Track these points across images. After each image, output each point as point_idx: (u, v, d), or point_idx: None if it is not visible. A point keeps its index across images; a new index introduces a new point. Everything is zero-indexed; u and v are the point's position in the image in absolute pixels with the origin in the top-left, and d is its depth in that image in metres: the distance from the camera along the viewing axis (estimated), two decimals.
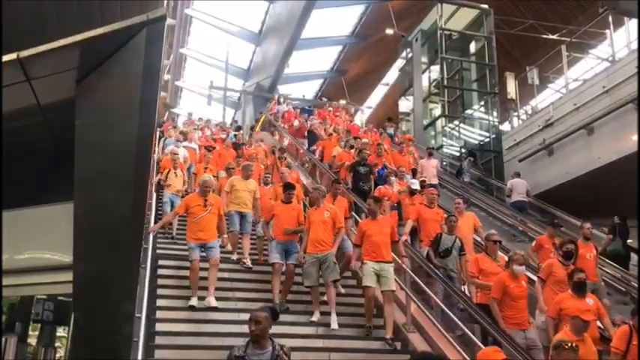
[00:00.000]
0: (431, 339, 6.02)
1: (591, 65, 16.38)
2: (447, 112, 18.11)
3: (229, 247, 7.61)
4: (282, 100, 19.68)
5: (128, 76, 3.24)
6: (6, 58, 3.08)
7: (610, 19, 14.70)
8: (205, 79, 26.00)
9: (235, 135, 15.21)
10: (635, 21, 12.91)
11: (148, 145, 3.79)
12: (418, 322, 6.35)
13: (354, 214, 8.41)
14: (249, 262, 7.56)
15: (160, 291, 6.66)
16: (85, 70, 3.30)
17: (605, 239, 9.74)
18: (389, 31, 21.83)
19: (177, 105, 29.73)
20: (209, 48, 26.26)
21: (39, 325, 5.62)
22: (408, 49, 21.08)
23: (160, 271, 7.04)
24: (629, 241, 10.37)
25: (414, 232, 7.92)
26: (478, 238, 7.91)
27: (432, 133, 18.91)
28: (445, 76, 18.24)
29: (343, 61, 26.66)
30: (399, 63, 22.57)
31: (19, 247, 4.83)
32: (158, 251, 7.49)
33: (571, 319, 4.98)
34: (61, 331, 5.61)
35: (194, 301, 6.29)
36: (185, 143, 12.03)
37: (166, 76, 25.35)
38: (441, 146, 17.39)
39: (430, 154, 12.58)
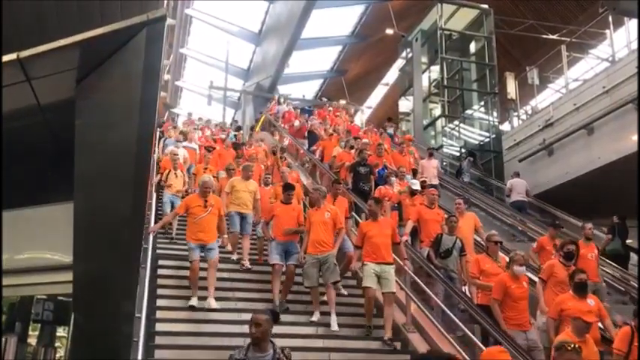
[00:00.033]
0: (431, 339, 6.02)
1: (591, 65, 16.38)
2: (447, 112, 18.10)
3: (229, 248, 7.61)
4: (282, 100, 19.68)
5: (128, 76, 3.24)
6: (6, 58, 3.08)
7: (610, 19, 14.69)
8: (205, 79, 26.01)
9: (235, 135, 15.20)
10: (635, 21, 12.91)
11: (148, 145, 3.79)
12: (418, 322, 6.35)
13: (354, 214, 8.41)
14: (247, 264, 7.56)
15: (159, 291, 6.66)
16: (85, 70, 3.30)
17: (604, 239, 9.74)
18: (389, 31, 21.83)
19: (177, 105, 29.73)
20: (209, 48, 26.28)
21: (39, 325, 5.62)
22: (408, 49, 21.08)
23: (160, 271, 7.04)
24: (628, 241, 10.38)
25: (415, 233, 7.90)
26: (479, 239, 7.91)
27: (432, 133, 18.91)
28: (445, 76, 18.23)
29: (343, 61, 26.66)
30: (399, 63, 22.56)
31: (19, 247, 4.83)
32: (158, 251, 7.48)
33: (573, 320, 4.96)
34: (61, 331, 5.61)
35: (194, 301, 6.29)
36: (185, 143, 12.02)
37: (166, 76, 25.35)
38: (441, 146, 17.39)
39: (431, 155, 12.57)
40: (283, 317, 6.18)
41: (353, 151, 10.90)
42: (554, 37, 18.88)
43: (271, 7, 23.03)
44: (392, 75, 26.51)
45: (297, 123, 15.34)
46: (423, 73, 19.98)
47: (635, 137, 11.04)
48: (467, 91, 18.87)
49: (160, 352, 5.28)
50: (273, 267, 6.74)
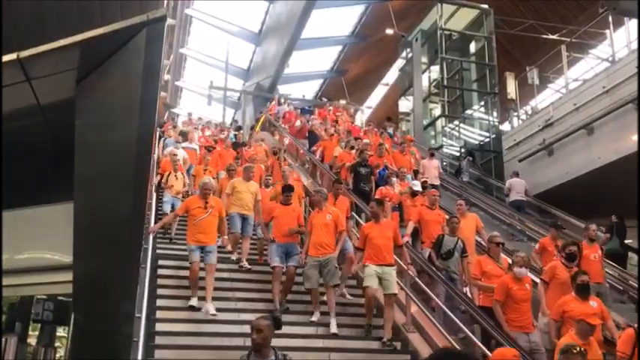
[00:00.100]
0: (431, 339, 6.02)
1: (591, 65, 16.38)
2: (447, 112, 18.10)
3: (229, 248, 7.62)
4: (282, 100, 19.68)
5: (128, 76, 3.24)
6: (6, 58, 3.08)
7: (610, 19, 14.69)
8: (205, 79, 26.02)
9: (235, 135, 15.20)
10: (635, 21, 12.90)
11: (148, 145, 3.79)
12: (418, 322, 6.35)
13: (354, 214, 8.39)
14: (246, 265, 7.56)
15: (159, 291, 6.67)
16: (85, 70, 3.29)
17: (602, 238, 9.74)
18: (389, 31, 21.82)
19: (177, 105, 29.74)
20: (209, 48, 26.28)
21: (39, 325, 5.62)
22: (408, 49, 21.08)
23: (160, 271, 7.05)
24: (628, 241, 10.38)
25: (416, 234, 7.88)
26: (480, 240, 7.89)
27: (432, 133, 18.90)
28: (445, 76, 18.23)
29: (343, 61, 26.66)
30: (399, 63, 22.56)
31: (19, 247, 4.82)
32: (158, 251, 7.48)
33: (577, 322, 4.94)
34: (61, 331, 5.61)
35: (194, 302, 6.29)
36: (185, 144, 12.02)
37: (166, 76, 25.35)
38: (441, 146, 17.39)
39: (432, 155, 12.56)
40: (283, 317, 6.20)
41: (353, 151, 10.89)
42: (554, 37, 18.87)
43: (271, 7, 23.03)
44: (392, 75, 26.51)
45: (298, 123, 15.33)
46: (423, 73, 19.98)
47: (635, 137, 11.04)
48: (467, 91, 18.86)
49: (159, 352, 5.28)
50: (274, 269, 6.71)
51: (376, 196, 8.32)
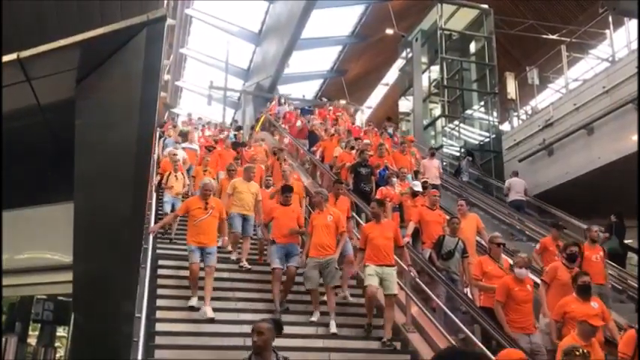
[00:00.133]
0: (431, 339, 6.02)
1: (591, 65, 16.38)
2: (447, 112, 18.11)
3: (229, 248, 7.62)
4: (282, 100, 19.68)
5: (128, 76, 3.24)
6: (6, 58, 3.07)
7: (610, 19, 14.69)
8: (205, 79, 26.03)
9: (235, 135, 15.20)
10: (635, 21, 12.90)
11: (148, 145, 3.79)
12: (418, 322, 6.35)
13: (354, 214, 8.39)
14: (246, 265, 7.56)
15: (159, 291, 6.67)
16: (85, 70, 3.29)
17: (601, 237, 9.73)
18: (389, 31, 21.83)
19: (177, 105, 29.74)
20: (209, 48, 26.29)
21: (39, 325, 5.62)
22: (408, 49, 21.08)
23: (160, 271, 7.05)
24: (629, 240, 10.38)
25: (416, 234, 7.86)
26: (481, 240, 7.88)
27: (432, 133, 18.91)
28: (445, 76, 18.24)
29: (343, 61, 26.66)
30: (399, 63, 22.56)
31: (19, 247, 4.82)
32: (158, 251, 7.49)
33: (579, 323, 4.93)
34: (61, 331, 5.61)
35: (194, 302, 6.29)
36: (185, 144, 12.02)
37: (166, 76, 25.36)
38: (441, 146, 17.39)
39: (432, 155, 12.55)
40: (283, 317, 6.20)
41: (354, 151, 10.88)
42: (554, 37, 18.87)
43: (271, 7, 23.03)
44: (392, 75, 26.52)
45: (299, 124, 15.33)
46: (423, 73, 19.98)
47: (635, 137, 11.04)
48: (467, 91, 18.88)
49: (159, 352, 5.29)
50: (274, 271, 6.68)
51: (377, 197, 8.31)
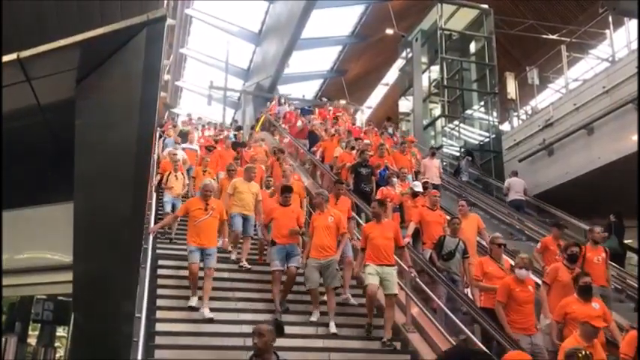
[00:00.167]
0: (431, 339, 6.02)
1: (591, 65, 16.37)
2: (447, 112, 18.11)
3: (229, 248, 7.61)
4: (282, 100, 19.67)
5: (128, 76, 3.24)
6: (6, 58, 3.07)
7: (610, 19, 14.68)
8: (205, 79, 26.03)
9: (235, 135, 15.20)
10: (635, 21, 12.90)
11: (148, 145, 3.79)
12: (418, 322, 6.35)
13: (355, 215, 8.38)
14: (246, 265, 7.56)
15: (159, 291, 6.67)
16: (85, 70, 3.29)
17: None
18: (389, 31, 21.83)
19: (177, 105, 29.75)
20: (209, 48, 26.30)
21: (39, 325, 5.62)
22: (408, 49, 21.08)
23: (160, 271, 7.05)
24: (628, 240, 10.38)
25: (417, 235, 7.84)
26: (482, 241, 7.87)
27: (432, 133, 18.91)
28: (445, 76, 18.24)
29: (343, 61, 26.66)
30: (399, 63, 22.56)
31: (19, 247, 4.82)
32: (158, 251, 7.48)
33: (581, 325, 4.91)
34: (61, 331, 5.61)
35: (194, 302, 6.29)
36: (185, 145, 12.00)
37: (166, 76, 25.36)
38: (441, 146, 17.39)
39: (433, 154, 12.54)
40: (283, 317, 6.21)
41: (354, 152, 10.87)
42: (554, 37, 18.87)
43: (271, 7, 23.04)
44: (392, 75, 26.52)
45: (299, 123, 15.32)
46: (423, 73, 19.98)
47: (635, 137, 11.04)
48: (467, 91, 18.87)
49: (159, 352, 5.29)
50: (273, 273, 6.65)
51: (377, 197, 8.30)
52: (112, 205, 3.59)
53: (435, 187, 10.53)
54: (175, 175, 9.63)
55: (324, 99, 24.52)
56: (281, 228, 6.85)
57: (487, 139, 17.76)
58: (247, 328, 5.49)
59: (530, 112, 17.72)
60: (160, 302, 6.42)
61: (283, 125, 16.36)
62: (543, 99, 17.36)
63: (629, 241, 10.84)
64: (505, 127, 18.78)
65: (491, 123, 18.02)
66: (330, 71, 27.76)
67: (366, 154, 10.05)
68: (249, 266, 7.59)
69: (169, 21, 19.08)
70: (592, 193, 12.60)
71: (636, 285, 8.15)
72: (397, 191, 9.09)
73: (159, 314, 6.11)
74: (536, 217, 12.22)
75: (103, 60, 3.19)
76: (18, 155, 3.79)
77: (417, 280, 6.62)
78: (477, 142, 18.01)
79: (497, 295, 5.77)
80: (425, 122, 19.29)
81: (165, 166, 10.12)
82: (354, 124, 17.41)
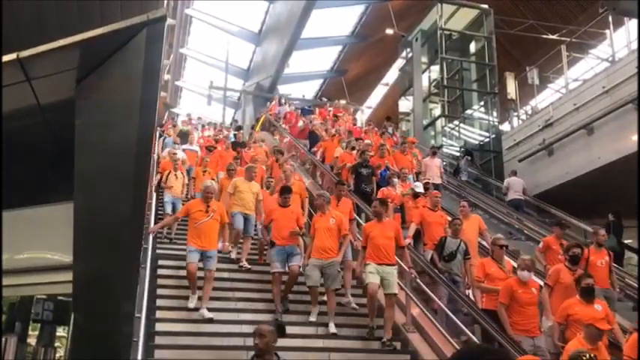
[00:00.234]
0: (431, 339, 6.02)
1: (591, 65, 16.38)
2: (446, 112, 18.11)
3: (230, 248, 7.61)
4: (283, 100, 19.66)
5: (128, 76, 3.24)
6: (6, 58, 3.07)
7: (610, 19, 14.68)
8: (205, 79, 26.04)
9: (235, 135, 15.20)
10: (635, 21, 12.90)
11: (148, 145, 3.79)
12: (418, 322, 6.35)
13: (356, 216, 8.36)
14: (246, 264, 7.56)
15: (159, 291, 6.67)
16: (85, 70, 3.29)
17: None
18: (389, 31, 21.83)
19: (177, 105, 29.75)
20: (209, 48, 26.30)
21: (39, 325, 5.62)
22: (408, 49, 21.09)
23: (160, 271, 7.05)
24: (628, 241, 10.37)
25: (418, 235, 7.83)
26: (484, 242, 7.85)
27: (432, 133, 18.91)
28: (445, 76, 18.25)
29: (343, 61, 26.67)
30: (399, 63, 22.57)
31: (19, 247, 4.82)
32: (158, 251, 7.48)
33: (586, 327, 4.89)
34: (60, 331, 5.61)
35: (193, 303, 6.29)
36: (185, 146, 11.99)
37: (166, 76, 25.36)
38: (441, 146, 17.39)
39: (434, 153, 12.53)
40: (283, 317, 6.21)
41: (354, 152, 10.85)
42: (554, 37, 18.87)
43: (271, 7, 23.04)
44: (392, 75, 26.52)
45: (301, 124, 15.31)
46: (423, 73, 19.99)
47: (635, 137, 11.04)
48: (467, 91, 18.88)
49: (159, 352, 5.29)
50: (273, 275, 6.62)
51: (378, 197, 8.28)
52: (112, 205, 3.59)
53: (436, 186, 10.52)
54: (175, 175, 9.63)
55: (324, 99, 24.54)
56: (280, 229, 6.82)
57: (487, 139, 17.77)
58: (247, 328, 5.50)
59: (530, 112, 17.72)
60: (159, 302, 6.42)
61: (284, 125, 16.35)
62: (543, 99, 17.37)
63: (629, 241, 10.84)
64: (505, 127, 18.79)
65: (491, 123, 18.03)
66: (330, 71, 27.77)
67: (367, 155, 10.03)
68: (249, 266, 7.59)
69: (169, 21, 19.09)
70: (592, 193, 12.60)
71: (634, 284, 8.14)
72: (398, 192, 9.07)
73: (159, 314, 6.11)
74: (536, 217, 12.23)
75: (103, 60, 3.19)
76: (18, 155, 3.78)
77: (418, 280, 6.62)
78: (476, 142, 18.01)
79: (500, 296, 5.75)
80: (425, 122, 19.29)
81: (165, 165, 10.12)
82: (354, 125, 17.40)
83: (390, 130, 15.63)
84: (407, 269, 6.53)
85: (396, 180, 9.38)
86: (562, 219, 10.58)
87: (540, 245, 8.04)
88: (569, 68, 16.42)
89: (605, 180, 12.02)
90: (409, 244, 7.28)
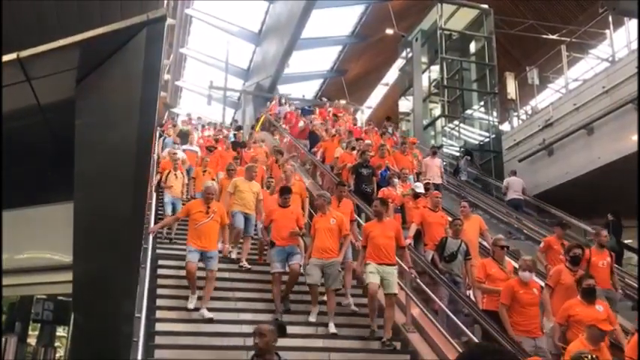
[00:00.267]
0: (431, 339, 6.02)
1: (591, 65, 16.38)
2: (446, 112, 18.12)
3: (230, 247, 7.60)
4: (283, 100, 19.66)
5: (128, 76, 3.23)
6: (6, 58, 3.07)
7: (610, 19, 14.69)
8: (205, 79, 26.04)
9: (235, 135, 15.19)
10: (635, 21, 12.91)
11: (148, 145, 3.79)
12: (418, 322, 6.34)
13: (356, 216, 8.35)
14: (246, 264, 7.55)
15: (159, 291, 6.67)
16: (85, 70, 3.29)
17: None
18: (389, 31, 21.83)
19: (177, 105, 29.75)
20: (209, 48, 26.31)
21: (39, 324, 5.62)
22: (408, 49, 21.09)
23: (160, 271, 7.04)
24: (628, 241, 10.37)
25: (418, 236, 7.82)
26: (484, 243, 7.85)
27: (432, 133, 18.92)
28: (445, 76, 18.26)
29: (343, 61, 26.67)
30: (399, 63, 22.57)
31: (19, 247, 4.82)
32: (158, 251, 7.48)
33: (588, 328, 4.88)
34: (60, 331, 5.61)
35: (192, 303, 6.29)
36: (185, 146, 11.98)
37: (166, 76, 25.35)
38: (441, 146, 17.39)
39: (434, 153, 12.53)
40: (283, 317, 6.20)
41: (355, 152, 10.84)
42: (554, 37, 18.87)
43: (271, 7, 23.04)
44: (392, 75, 26.53)
45: (301, 124, 15.30)
46: (423, 73, 20.00)
47: (635, 137, 11.05)
48: (467, 91, 18.89)
49: (159, 352, 5.29)
50: (273, 276, 6.61)
51: (379, 197, 8.27)
52: (112, 205, 3.59)
53: (437, 186, 10.52)
54: (175, 174, 9.62)
55: (324, 99, 24.51)
56: (280, 229, 6.80)
57: (487, 139, 17.77)
58: (247, 328, 5.50)
59: (530, 112, 17.73)
60: (159, 302, 6.41)
61: (284, 125, 16.34)
62: (543, 99, 17.38)
63: (629, 241, 10.84)
64: (505, 127, 18.80)
65: (491, 123, 18.04)
66: (330, 71, 27.77)
67: (367, 155, 10.01)
68: (249, 266, 7.58)
69: (169, 21, 19.08)
70: (592, 193, 12.60)
71: (634, 284, 8.13)
72: (398, 192, 9.06)
73: (159, 314, 6.11)
74: (536, 217, 12.23)
75: (103, 60, 3.19)
76: (18, 155, 3.79)
77: (418, 280, 6.62)
78: (476, 142, 18.01)
79: (501, 297, 5.75)
80: (425, 122, 19.30)
81: (165, 165, 10.11)
82: (355, 125, 17.39)
83: (390, 130, 15.62)
84: (407, 269, 6.52)
85: (396, 180, 9.37)
86: (562, 219, 10.59)
87: (541, 245, 8.02)
88: (569, 68, 16.43)
89: (605, 180, 12.03)
90: (410, 244, 7.27)
